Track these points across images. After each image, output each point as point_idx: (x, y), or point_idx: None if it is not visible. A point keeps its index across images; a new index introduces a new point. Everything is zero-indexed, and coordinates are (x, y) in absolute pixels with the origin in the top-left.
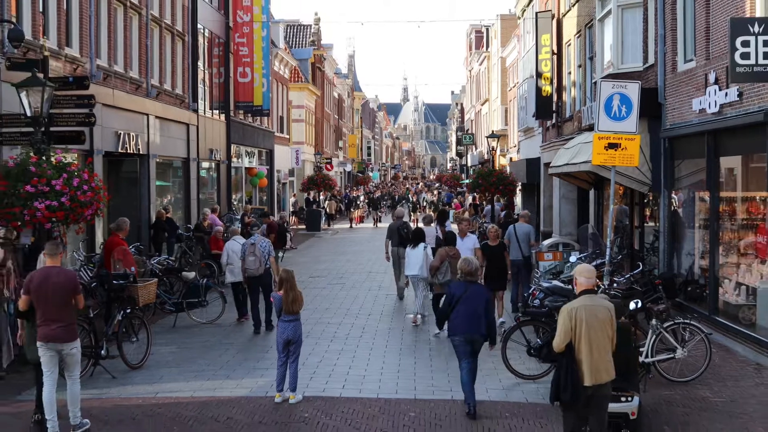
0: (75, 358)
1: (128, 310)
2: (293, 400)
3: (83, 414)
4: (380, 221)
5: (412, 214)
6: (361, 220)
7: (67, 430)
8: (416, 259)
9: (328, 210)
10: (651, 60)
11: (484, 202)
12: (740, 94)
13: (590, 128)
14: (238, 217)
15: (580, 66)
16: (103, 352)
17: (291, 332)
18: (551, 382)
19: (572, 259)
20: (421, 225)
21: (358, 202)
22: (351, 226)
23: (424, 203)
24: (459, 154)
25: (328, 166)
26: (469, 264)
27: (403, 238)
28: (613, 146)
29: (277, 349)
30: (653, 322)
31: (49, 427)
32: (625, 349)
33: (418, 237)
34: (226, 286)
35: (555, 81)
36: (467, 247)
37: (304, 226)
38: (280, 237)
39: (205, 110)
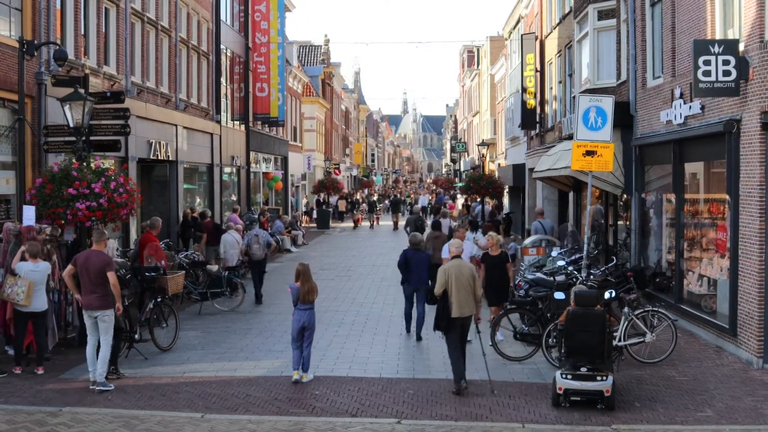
0: (107, 324)
1: (159, 299)
2: (305, 379)
3: (121, 389)
4: (378, 223)
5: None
6: (361, 221)
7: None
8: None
9: (339, 208)
10: (624, 77)
11: (476, 203)
12: (702, 107)
13: (570, 137)
14: (256, 216)
15: (560, 82)
16: (136, 336)
17: (306, 319)
18: (435, 317)
19: (554, 253)
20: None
21: (359, 205)
22: (355, 227)
23: (426, 204)
24: (453, 160)
25: (337, 171)
26: (415, 237)
27: (418, 228)
28: (590, 153)
29: (291, 334)
30: (625, 309)
31: (90, 375)
32: (600, 334)
33: (472, 225)
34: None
35: (538, 95)
36: (464, 254)
37: (314, 225)
38: (214, 235)
39: (227, 121)
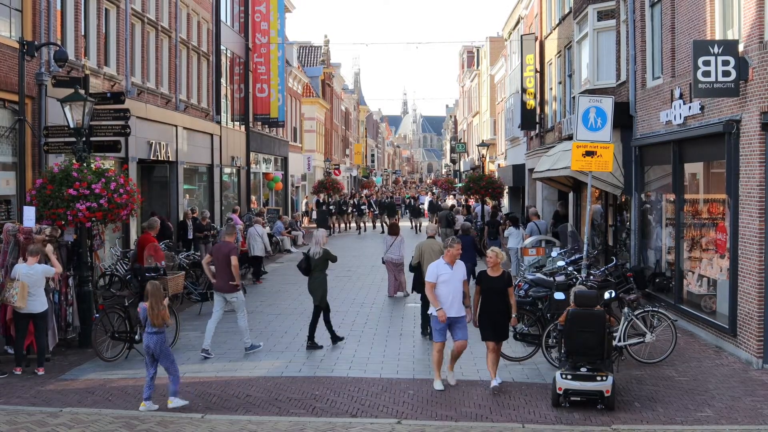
0: (237, 304)
1: None
2: (171, 404)
3: (122, 389)
4: (372, 227)
5: (413, 219)
6: (348, 227)
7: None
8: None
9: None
10: (623, 77)
11: (475, 203)
12: (702, 108)
13: (569, 138)
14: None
15: (560, 82)
16: (137, 336)
17: (152, 344)
18: (412, 282)
19: (554, 254)
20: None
21: (347, 208)
22: (330, 233)
23: (431, 205)
24: (453, 161)
25: (336, 172)
26: (465, 225)
27: (449, 222)
28: (589, 154)
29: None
30: (625, 310)
31: (204, 343)
32: (600, 334)
33: (515, 221)
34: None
35: (538, 96)
36: (458, 278)
37: (314, 225)
38: (162, 235)
39: (227, 122)
